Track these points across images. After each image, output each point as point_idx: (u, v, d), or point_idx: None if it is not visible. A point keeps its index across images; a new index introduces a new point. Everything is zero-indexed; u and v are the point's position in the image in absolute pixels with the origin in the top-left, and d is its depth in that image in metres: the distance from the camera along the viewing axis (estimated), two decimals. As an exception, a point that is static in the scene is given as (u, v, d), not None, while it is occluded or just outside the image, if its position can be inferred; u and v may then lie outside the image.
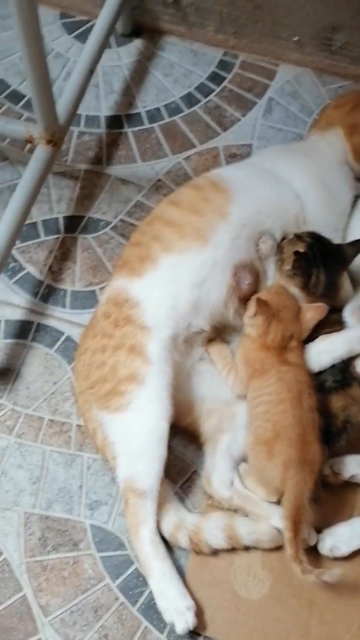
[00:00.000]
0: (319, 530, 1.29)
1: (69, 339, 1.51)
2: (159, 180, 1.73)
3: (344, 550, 1.27)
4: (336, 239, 1.41)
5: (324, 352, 1.32)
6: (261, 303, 1.29)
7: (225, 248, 1.36)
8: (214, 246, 1.35)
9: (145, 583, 1.26)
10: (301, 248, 1.34)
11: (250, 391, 1.30)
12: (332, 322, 1.36)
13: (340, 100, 1.55)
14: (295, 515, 1.18)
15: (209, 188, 1.43)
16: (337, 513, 1.33)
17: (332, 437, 1.29)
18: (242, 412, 1.33)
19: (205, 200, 1.40)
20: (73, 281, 1.59)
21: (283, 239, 1.40)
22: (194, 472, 1.38)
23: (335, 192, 1.46)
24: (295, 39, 1.87)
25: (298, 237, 1.37)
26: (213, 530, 1.26)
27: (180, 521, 1.27)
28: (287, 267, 1.35)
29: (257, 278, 1.42)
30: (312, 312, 1.32)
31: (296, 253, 1.32)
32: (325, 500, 1.33)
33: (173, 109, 1.85)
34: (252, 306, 1.30)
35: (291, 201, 1.43)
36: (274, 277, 1.42)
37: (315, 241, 1.36)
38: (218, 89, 1.89)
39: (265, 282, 1.43)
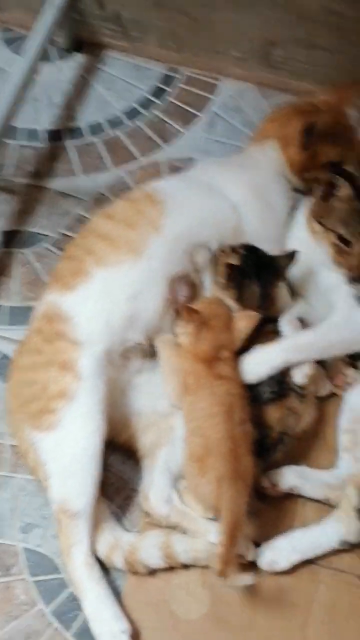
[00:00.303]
0: (258, 545, 1.27)
1: (5, 356, 1.47)
2: (101, 194, 1.71)
3: (283, 564, 1.24)
4: (274, 250, 1.40)
5: (260, 362, 1.31)
6: (190, 310, 1.27)
7: (160, 260, 1.35)
8: (147, 259, 1.34)
9: (80, 606, 1.21)
10: (235, 260, 1.34)
11: (185, 405, 1.28)
12: (268, 332, 1.36)
13: (276, 114, 1.56)
14: (231, 531, 1.15)
15: (144, 200, 1.41)
16: (277, 526, 1.30)
17: (267, 449, 1.28)
18: (180, 424, 1.30)
19: (140, 212, 1.39)
20: (9, 297, 1.56)
21: (219, 250, 1.40)
22: (132, 489, 1.34)
23: (272, 204, 1.47)
24: (235, 54, 1.90)
25: (232, 249, 1.37)
26: (149, 549, 1.23)
27: (116, 541, 1.23)
28: (221, 279, 1.35)
29: (195, 290, 1.41)
30: (244, 321, 1.30)
31: (228, 266, 1.31)
32: (264, 513, 1.31)
33: (115, 123, 1.85)
34: (181, 313, 1.29)
35: (228, 213, 1.42)
36: (211, 288, 1.43)
37: (250, 253, 1.35)
38: (161, 103, 1.89)
39: (202, 294, 1.42)
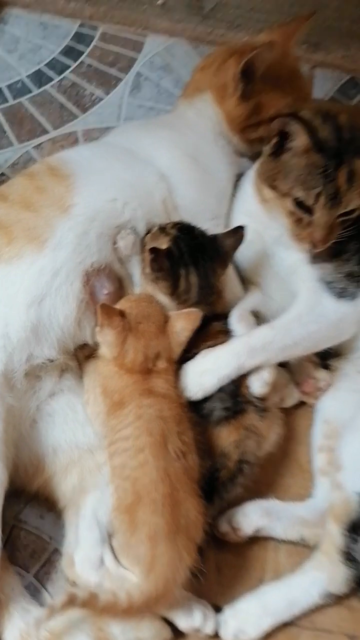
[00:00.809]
0: (219, 609, 0.99)
1: None
2: (2, 174, 1.40)
3: (253, 634, 0.95)
4: (216, 229, 1.11)
5: (207, 371, 1.02)
6: (110, 312, 0.97)
7: (70, 250, 1.04)
8: (53, 249, 1.03)
9: None
10: (163, 243, 1.04)
11: (107, 433, 0.98)
12: (214, 334, 1.06)
13: (207, 61, 1.25)
14: (150, 602, 0.87)
15: (46, 175, 1.10)
16: (242, 581, 1.03)
17: (223, 484, 0.99)
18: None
19: (41, 190, 1.07)
20: None
21: (147, 232, 1.11)
22: (54, 551, 1.04)
23: (209, 170, 1.17)
24: (160, 2, 1.62)
25: (161, 229, 1.07)
26: (77, 635, 0.92)
27: (28, 628, 0.92)
28: (148, 269, 1.05)
29: (119, 286, 1.13)
30: (183, 322, 1.01)
31: (153, 251, 1.01)
32: (225, 565, 1.04)
33: (19, 90, 1.53)
34: (100, 316, 0.98)
35: (154, 184, 1.13)
36: (140, 283, 1.14)
37: (183, 234, 1.05)
38: (74, 65, 1.59)
39: (131, 290, 1.13)
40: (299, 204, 1.04)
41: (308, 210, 1.04)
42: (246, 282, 1.19)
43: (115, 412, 0.95)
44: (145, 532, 0.88)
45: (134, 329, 0.98)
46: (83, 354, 1.12)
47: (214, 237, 1.07)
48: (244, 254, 1.15)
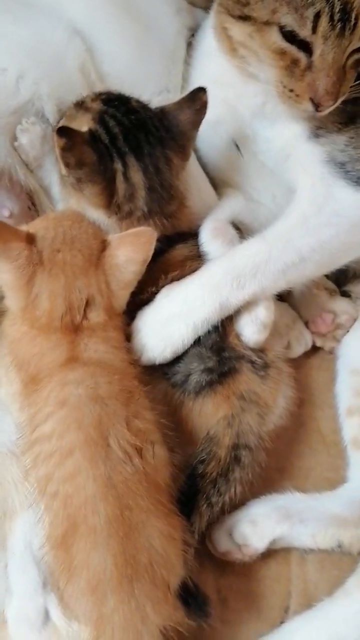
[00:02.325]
0: None
1: None
2: None
3: None
4: (162, 101, 0.73)
5: (174, 317, 0.67)
6: (6, 233, 0.61)
7: None
8: None
9: None
10: (83, 124, 0.66)
11: (24, 428, 0.62)
12: (179, 261, 0.70)
13: None
14: None
15: None
16: (260, 614, 0.70)
17: (213, 483, 0.65)
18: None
19: None
20: None
21: (61, 118, 0.73)
22: None
23: (148, 20, 0.79)
24: None
25: (78, 105, 0.69)
26: None
27: None
28: (62, 170, 0.67)
29: (31, 205, 0.78)
30: (128, 248, 0.64)
31: (62, 132, 0.62)
32: (233, 593, 0.72)
33: None
34: None
35: (65, 43, 0.74)
36: (61, 194, 0.77)
37: (112, 107, 0.68)
38: None
39: (50, 210, 0.76)
40: (289, 36, 0.65)
41: (304, 46, 0.65)
42: (219, 185, 0.83)
43: (32, 397, 0.60)
44: (85, 579, 0.55)
45: (48, 262, 0.62)
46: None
47: (162, 110, 0.70)
48: (211, 142, 0.78)
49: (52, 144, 0.74)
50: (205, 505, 0.66)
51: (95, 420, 0.58)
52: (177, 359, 0.69)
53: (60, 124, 0.69)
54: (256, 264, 0.67)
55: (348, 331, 0.81)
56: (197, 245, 0.73)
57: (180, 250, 0.71)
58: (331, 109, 0.68)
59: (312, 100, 0.67)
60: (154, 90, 0.77)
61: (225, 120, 0.77)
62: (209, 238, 0.72)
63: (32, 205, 0.75)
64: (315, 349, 0.84)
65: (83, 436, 0.58)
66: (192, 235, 0.73)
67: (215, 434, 0.68)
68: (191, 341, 0.68)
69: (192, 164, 0.78)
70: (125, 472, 0.57)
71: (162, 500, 0.59)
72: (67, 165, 0.64)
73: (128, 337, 0.70)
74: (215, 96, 0.73)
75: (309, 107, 0.68)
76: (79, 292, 0.62)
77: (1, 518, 0.70)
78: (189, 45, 0.84)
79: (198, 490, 0.66)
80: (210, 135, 0.77)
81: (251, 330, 0.70)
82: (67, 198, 0.72)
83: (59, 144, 0.62)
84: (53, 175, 0.75)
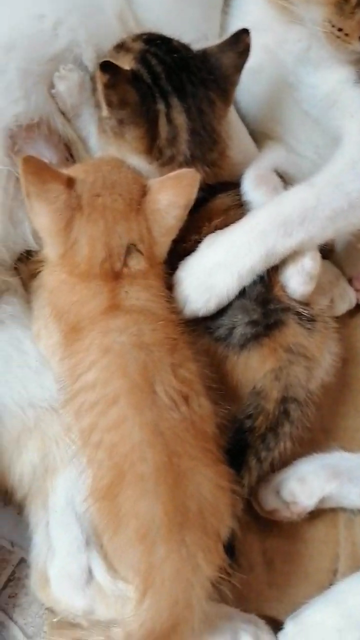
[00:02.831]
0: (277, 624, 0.67)
1: None
2: None
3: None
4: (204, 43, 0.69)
5: (218, 267, 0.64)
6: (36, 168, 0.58)
7: None
8: None
9: None
10: (124, 65, 0.63)
11: (66, 379, 0.60)
12: (222, 210, 0.68)
13: None
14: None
15: None
16: (308, 577, 0.68)
17: (261, 438, 0.63)
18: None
19: None
20: None
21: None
22: (21, 561, 0.69)
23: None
24: None
25: (119, 46, 0.66)
26: None
27: None
28: (104, 112, 0.63)
29: (68, 156, 0.76)
30: (171, 192, 0.62)
31: (106, 67, 0.59)
32: (279, 556, 0.69)
33: None
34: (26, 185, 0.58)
35: None
36: (99, 144, 0.72)
37: (154, 46, 0.65)
38: None
39: (83, 156, 0.73)
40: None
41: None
42: (259, 138, 0.80)
43: (73, 346, 0.58)
44: (133, 528, 0.53)
45: (87, 207, 0.59)
46: (29, 269, 0.76)
47: (203, 53, 0.67)
48: (252, 92, 0.75)
49: (90, 92, 0.72)
50: (254, 461, 0.63)
51: (140, 367, 0.56)
52: (221, 312, 0.66)
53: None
54: (304, 210, 0.64)
55: (394, 287, 0.79)
56: (239, 194, 0.70)
57: (223, 199, 0.69)
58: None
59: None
60: (192, 38, 0.73)
61: (266, 68, 0.74)
62: (252, 186, 0.69)
63: (69, 156, 0.73)
64: (358, 308, 0.81)
65: (128, 383, 0.56)
66: (233, 185, 0.71)
67: (263, 387, 0.65)
68: (236, 292, 0.65)
69: (232, 114, 0.76)
70: (172, 419, 0.55)
71: (211, 448, 0.56)
72: (109, 104, 0.61)
73: (170, 288, 0.68)
74: (256, 43, 0.70)
75: (358, 47, 0.66)
76: (119, 238, 0.60)
77: (42, 475, 0.68)
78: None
79: (247, 445, 0.63)
80: (250, 84, 0.74)
81: (297, 281, 0.67)
82: (106, 146, 0.69)
83: (102, 80, 0.60)
84: (91, 126, 0.73)
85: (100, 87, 0.61)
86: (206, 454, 0.55)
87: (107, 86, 0.60)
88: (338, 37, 0.66)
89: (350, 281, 0.80)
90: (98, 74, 0.60)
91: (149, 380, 0.55)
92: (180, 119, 0.65)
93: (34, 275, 0.73)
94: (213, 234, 0.66)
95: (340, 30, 0.65)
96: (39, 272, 0.69)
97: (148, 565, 0.53)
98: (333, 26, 0.65)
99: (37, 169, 0.59)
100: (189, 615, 0.53)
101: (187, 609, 0.52)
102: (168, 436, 0.54)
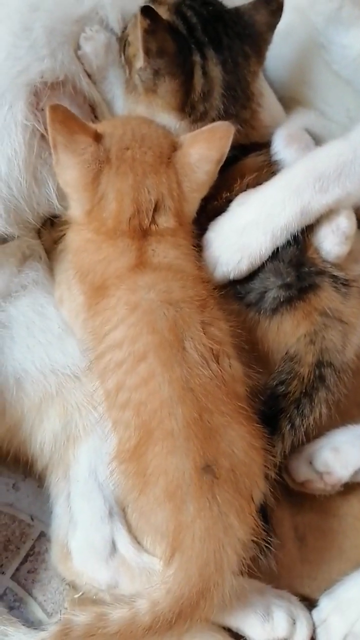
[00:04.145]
0: (311, 602, 0.63)
1: None
2: None
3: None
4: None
5: (250, 225, 0.61)
6: (63, 118, 0.56)
7: (3, 54, 0.64)
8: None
9: None
10: (163, 12, 0.62)
11: (91, 341, 0.58)
12: (254, 168, 0.65)
13: None
14: (183, 604, 0.50)
15: None
16: (342, 552, 0.64)
17: (296, 403, 0.60)
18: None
19: None
20: None
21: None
22: (41, 535, 0.66)
23: None
24: None
25: (154, -1, 0.66)
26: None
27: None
28: (139, 63, 0.61)
29: (94, 116, 0.73)
30: (203, 145, 0.59)
31: (147, 13, 0.57)
32: (312, 531, 0.66)
33: None
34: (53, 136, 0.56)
35: None
36: (125, 107, 0.70)
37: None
38: None
39: (108, 118, 0.70)
40: None
41: None
42: (289, 104, 0.77)
43: (98, 306, 0.56)
44: (161, 486, 0.50)
45: (116, 160, 0.57)
46: (51, 236, 0.74)
47: (237, 10, 0.65)
48: (281, 54, 0.73)
49: (116, 54, 0.70)
50: (288, 426, 0.60)
51: (170, 323, 0.54)
52: (251, 276, 0.64)
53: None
54: (340, 164, 0.61)
55: None
56: (271, 154, 0.67)
57: (255, 158, 0.67)
58: None
59: None
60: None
61: (297, 29, 0.72)
62: (284, 144, 0.66)
63: (95, 118, 0.71)
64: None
65: (157, 339, 0.53)
66: (265, 145, 0.68)
67: (297, 352, 0.62)
68: (269, 252, 0.62)
69: (261, 77, 0.74)
70: (203, 375, 0.53)
71: (243, 407, 0.54)
72: (147, 52, 0.60)
73: (200, 250, 0.66)
74: (286, 4, 0.69)
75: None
76: (148, 193, 0.58)
77: (64, 444, 0.66)
78: None
79: (281, 411, 0.60)
80: (280, 46, 0.72)
81: (332, 241, 0.64)
82: (134, 106, 0.67)
83: (142, 25, 0.58)
84: (117, 89, 0.71)
85: (140, 32, 0.59)
86: (239, 412, 0.53)
87: (147, 32, 0.59)
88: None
89: (382, 251, 0.79)
90: (139, 18, 0.58)
91: (179, 337, 0.53)
92: (216, 71, 0.63)
93: (56, 242, 0.72)
94: (245, 192, 0.64)
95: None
96: (62, 238, 0.68)
97: (177, 524, 0.50)
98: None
99: (65, 118, 0.57)
100: (219, 579, 0.49)
101: (218, 572, 0.49)
102: (198, 392, 0.52)
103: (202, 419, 0.51)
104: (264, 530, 0.53)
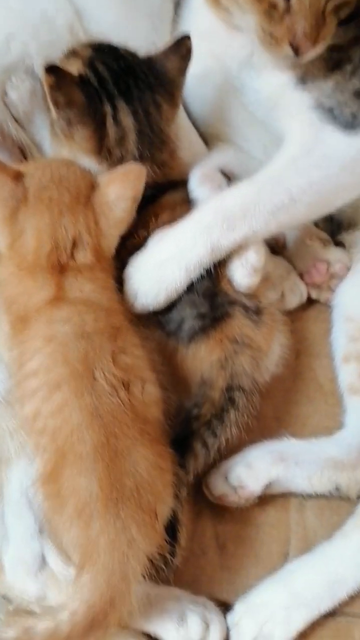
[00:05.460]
0: (227, 607, 0.67)
1: None
2: None
3: (283, 637, 0.63)
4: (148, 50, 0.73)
5: (166, 261, 0.67)
6: None
7: None
8: None
9: None
10: (75, 67, 0.67)
11: (13, 369, 0.63)
12: (170, 205, 0.70)
13: None
14: (93, 615, 0.54)
15: None
16: (258, 560, 0.70)
17: (207, 425, 0.65)
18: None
19: None
20: None
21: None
22: None
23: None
24: None
25: (70, 53, 0.71)
26: None
27: None
28: (53, 111, 0.66)
29: (24, 157, 0.78)
30: (118, 185, 0.65)
31: (52, 70, 0.63)
32: (231, 539, 0.71)
33: None
34: None
35: (54, 6, 0.74)
36: (52, 148, 0.75)
37: (101, 53, 0.69)
38: None
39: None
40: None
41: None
42: (210, 140, 0.83)
43: (21, 336, 0.61)
44: (72, 505, 0.56)
45: (34, 199, 0.62)
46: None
47: (149, 58, 0.71)
48: (200, 95, 0.79)
49: (41, 99, 0.75)
50: (200, 446, 0.66)
51: (81, 354, 0.59)
52: (170, 307, 0.69)
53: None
54: (245, 205, 0.67)
55: (342, 281, 0.82)
56: (187, 191, 0.73)
57: (172, 196, 0.72)
58: (312, 54, 0.68)
59: (291, 44, 0.67)
60: (142, 47, 0.77)
61: (213, 73, 0.77)
62: (198, 184, 0.72)
63: (24, 159, 0.76)
64: (311, 302, 0.83)
65: (69, 370, 0.58)
66: (182, 182, 0.74)
67: (209, 377, 0.67)
68: (184, 285, 0.68)
69: (182, 117, 0.79)
70: (112, 403, 0.58)
71: (149, 431, 0.59)
72: (56, 104, 0.65)
73: (120, 283, 0.71)
74: (203, 50, 0.74)
75: (289, 51, 0.68)
76: (65, 230, 0.62)
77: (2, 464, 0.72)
78: (177, 3, 0.85)
79: (193, 432, 0.66)
80: (198, 88, 0.78)
81: (242, 273, 0.69)
82: (59, 149, 0.72)
83: (47, 82, 0.63)
84: (44, 131, 0.76)
85: (46, 88, 0.64)
86: (144, 436, 0.58)
87: (53, 88, 0.64)
88: (270, 42, 0.69)
89: (301, 276, 0.83)
90: (43, 76, 0.64)
91: (90, 367, 0.58)
92: (127, 120, 0.68)
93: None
94: (161, 230, 0.69)
95: (271, 35, 0.68)
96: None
97: (86, 539, 0.55)
98: (264, 32, 0.69)
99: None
100: (125, 588, 0.54)
101: (123, 582, 0.54)
102: (106, 419, 0.57)
103: (109, 442, 0.56)
104: (169, 543, 0.58)
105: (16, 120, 0.74)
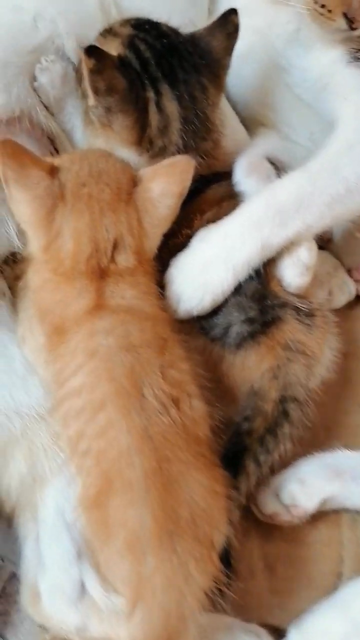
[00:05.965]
0: (279, 633, 0.63)
1: None
2: None
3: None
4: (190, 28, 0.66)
5: (212, 262, 0.61)
6: (14, 151, 0.54)
7: None
8: None
9: None
10: (111, 50, 0.60)
11: (52, 385, 0.58)
12: (215, 200, 0.64)
13: None
14: None
15: None
16: (311, 581, 0.65)
17: (260, 440, 0.60)
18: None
19: None
20: None
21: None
22: (12, 576, 0.66)
23: None
24: None
25: (106, 31, 0.64)
26: None
27: None
28: (90, 101, 0.60)
29: (54, 148, 0.71)
30: (164, 180, 0.58)
31: (91, 52, 0.55)
32: (281, 561, 0.66)
33: None
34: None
35: None
36: (85, 138, 0.68)
37: (142, 31, 0.62)
38: None
39: (68, 150, 0.69)
40: None
41: None
42: (251, 125, 0.76)
43: (58, 349, 0.55)
44: (122, 538, 0.50)
45: (71, 197, 0.56)
46: (14, 272, 0.72)
47: (192, 37, 0.63)
48: (242, 76, 0.72)
49: (74, 84, 0.69)
50: (252, 464, 0.60)
51: (127, 370, 0.53)
52: (215, 311, 0.63)
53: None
54: (300, 197, 0.61)
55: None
56: (232, 185, 0.67)
57: (216, 190, 0.66)
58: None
59: (345, 15, 0.61)
60: (179, 24, 0.70)
61: (257, 51, 0.71)
62: (244, 175, 0.66)
63: (54, 150, 0.70)
64: (358, 299, 0.79)
65: (115, 388, 0.53)
66: (227, 175, 0.67)
67: (260, 387, 0.62)
68: (232, 287, 0.62)
69: (223, 101, 0.72)
70: (162, 423, 0.52)
71: (204, 452, 0.53)
72: (96, 91, 0.58)
73: (161, 286, 0.65)
74: (245, 26, 0.67)
75: (343, 24, 0.62)
76: (106, 232, 0.56)
77: (31, 486, 0.65)
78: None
79: (245, 449, 0.60)
80: (240, 69, 0.70)
81: (293, 273, 0.64)
82: (94, 139, 0.65)
83: (87, 65, 0.56)
84: (76, 119, 0.69)
85: (86, 72, 0.57)
86: (198, 458, 0.52)
87: (93, 72, 0.57)
88: (322, 14, 0.62)
89: (349, 272, 0.78)
90: (83, 58, 0.57)
91: (137, 384, 0.52)
92: (172, 106, 0.61)
93: (19, 278, 0.71)
94: (205, 228, 0.63)
95: (323, 6, 0.62)
96: (24, 274, 0.67)
97: (138, 576, 0.50)
98: (316, 3, 0.62)
99: (15, 152, 0.55)
100: (182, 628, 0.50)
101: (180, 621, 0.50)
102: (157, 441, 0.51)
103: (161, 468, 0.51)
104: (225, 573, 0.54)
105: (46, 107, 0.68)
